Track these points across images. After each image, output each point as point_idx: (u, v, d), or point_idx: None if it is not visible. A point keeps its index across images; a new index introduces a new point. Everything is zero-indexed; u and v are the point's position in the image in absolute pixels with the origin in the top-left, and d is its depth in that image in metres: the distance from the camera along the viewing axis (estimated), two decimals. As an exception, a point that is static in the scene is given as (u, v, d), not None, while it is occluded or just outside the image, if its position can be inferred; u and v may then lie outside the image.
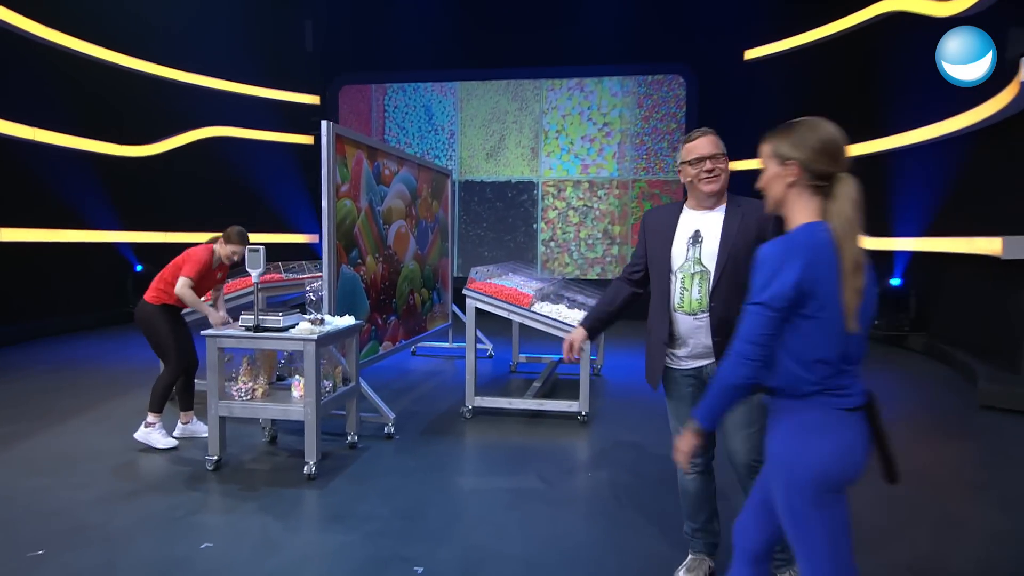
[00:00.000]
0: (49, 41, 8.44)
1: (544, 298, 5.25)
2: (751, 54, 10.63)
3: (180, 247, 10.22)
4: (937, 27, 7.45)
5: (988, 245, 6.34)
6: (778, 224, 1.94)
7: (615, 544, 3.05)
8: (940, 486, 3.87)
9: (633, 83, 10.75)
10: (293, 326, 3.84)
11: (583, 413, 4.88)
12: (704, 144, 2.41)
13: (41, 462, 3.99)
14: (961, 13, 6.82)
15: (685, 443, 1.81)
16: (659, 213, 2.63)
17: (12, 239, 8.02)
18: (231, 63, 10.63)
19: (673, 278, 2.45)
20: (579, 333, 2.71)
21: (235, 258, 4.24)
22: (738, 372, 1.64)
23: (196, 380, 4.48)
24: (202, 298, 4.27)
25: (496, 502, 3.48)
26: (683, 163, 2.48)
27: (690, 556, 2.72)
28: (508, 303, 4.89)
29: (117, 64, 9.41)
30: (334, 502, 3.46)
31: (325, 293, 4.49)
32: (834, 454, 1.61)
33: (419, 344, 7.06)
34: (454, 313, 7.41)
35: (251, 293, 5.59)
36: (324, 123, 4.50)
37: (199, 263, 4.13)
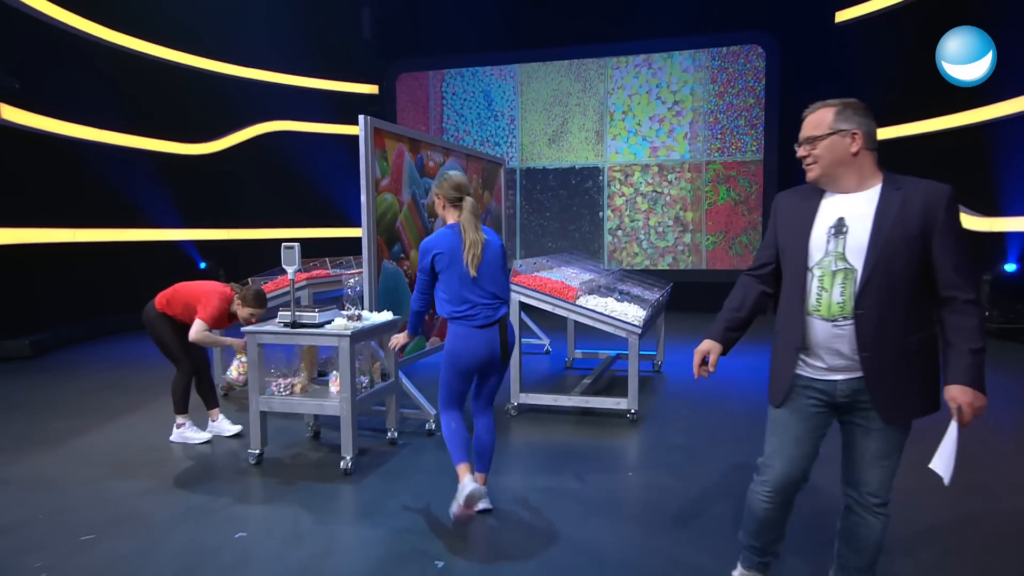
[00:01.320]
0: (108, 41, 9.03)
1: (593, 291, 5.33)
2: (842, 16, 10.21)
3: (242, 244, 10.83)
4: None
5: None
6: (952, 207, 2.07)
7: (644, 550, 3.13)
8: None
9: (706, 56, 10.59)
10: (329, 322, 4.09)
11: (632, 411, 4.94)
12: (804, 125, 2.20)
13: (95, 456, 4.42)
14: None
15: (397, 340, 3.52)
16: (794, 196, 2.32)
17: (77, 240, 8.60)
18: (288, 55, 11.09)
19: (810, 275, 2.17)
20: (712, 348, 2.42)
21: (253, 320, 4.42)
22: (412, 304, 3.41)
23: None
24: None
25: (528, 501, 3.61)
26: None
27: (740, 570, 2.59)
28: (552, 297, 5.00)
29: (174, 61, 9.96)
30: (366, 497, 3.69)
31: (365, 288, 4.74)
32: (461, 348, 3.24)
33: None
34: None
35: (299, 289, 5.98)
36: (361, 117, 4.75)
37: (215, 312, 4.38)
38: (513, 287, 5.16)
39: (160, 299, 4.55)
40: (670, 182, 10.86)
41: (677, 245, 10.89)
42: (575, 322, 6.79)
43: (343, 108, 11.69)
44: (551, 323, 7.64)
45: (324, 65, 11.59)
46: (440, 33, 11.45)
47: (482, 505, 3.39)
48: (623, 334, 4.89)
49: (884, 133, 9.69)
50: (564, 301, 4.99)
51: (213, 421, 4.76)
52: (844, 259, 2.11)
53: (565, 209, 11.25)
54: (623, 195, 11.05)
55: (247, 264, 7.85)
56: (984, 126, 8.26)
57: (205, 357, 4.76)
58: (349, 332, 3.92)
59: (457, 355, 3.25)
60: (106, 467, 4.20)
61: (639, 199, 10.99)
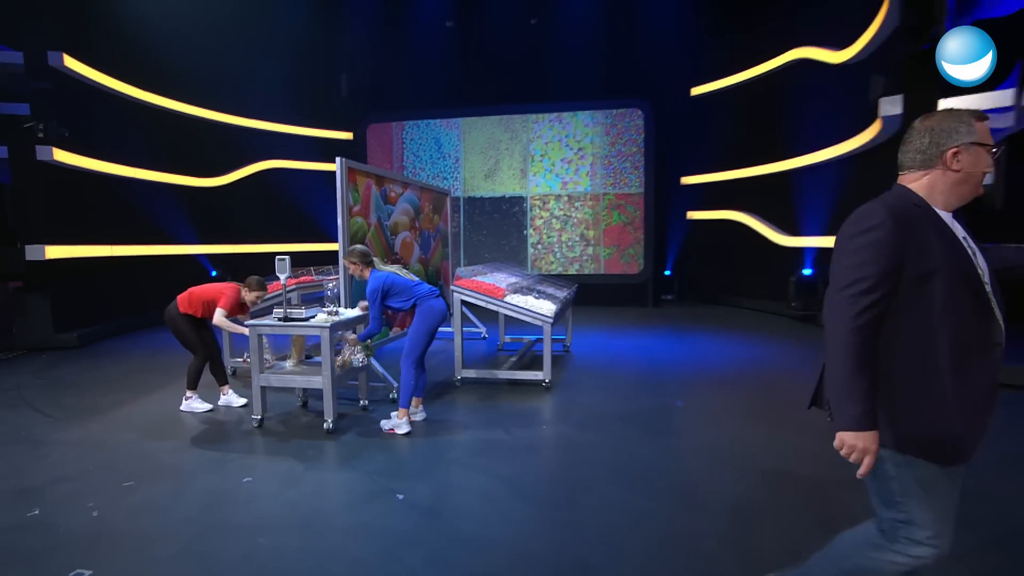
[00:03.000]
0: (139, 99, 8.76)
1: (517, 291, 5.46)
2: (696, 91, 10.75)
3: (245, 256, 10.59)
4: (832, 71, 7.61)
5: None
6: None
7: (552, 482, 3.31)
8: None
9: (601, 115, 10.81)
10: (313, 316, 4.13)
11: (546, 381, 5.10)
12: (987, 129, 1.48)
13: (133, 423, 4.33)
14: (849, 60, 6.95)
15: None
16: (910, 209, 1.48)
17: (116, 254, 8.32)
18: (282, 109, 10.89)
19: (990, 299, 1.43)
20: (869, 443, 1.43)
21: (259, 302, 4.47)
22: (370, 328, 4.04)
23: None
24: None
25: (469, 449, 3.75)
26: (975, 144, 1.46)
27: None
28: (486, 295, 5.12)
29: (190, 113, 9.70)
30: (345, 451, 3.75)
31: (341, 290, 4.78)
32: (436, 311, 4.01)
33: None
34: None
35: (290, 291, 5.94)
36: (338, 159, 4.77)
37: (233, 300, 4.40)
38: (456, 288, 5.27)
39: (181, 301, 4.48)
40: (576, 208, 11.00)
41: (583, 256, 11.01)
42: (504, 315, 6.97)
43: (325, 150, 11.54)
44: (486, 316, 7.77)
45: (311, 116, 11.40)
46: (402, 93, 11.38)
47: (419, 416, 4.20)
48: (539, 323, 5.04)
49: (729, 175, 10.25)
50: (495, 299, 5.12)
51: (224, 395, 4.71)
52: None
53: (498, 228, 11.27)
54: (542, 218, 11.13)
55: (248, 272, 7.70)
56: (791, 172, 8.84)
57: (217, 345, 4.70)
58: (328, 324, 3.97)
59: (432, 317, 4.00)
60: (142, 431, 4.12)
61: (554, 221, 11.08)
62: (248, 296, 4.46)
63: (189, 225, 9.63)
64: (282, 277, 4.07)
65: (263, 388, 4.11)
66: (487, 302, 5.15)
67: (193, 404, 4.53)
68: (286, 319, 4.03)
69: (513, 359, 5.79)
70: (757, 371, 5.81)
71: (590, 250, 10.98)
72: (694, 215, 11.03)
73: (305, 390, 4.70)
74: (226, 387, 4.71)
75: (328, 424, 4.00)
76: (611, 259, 10.92)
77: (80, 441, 3.96)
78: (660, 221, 11.00)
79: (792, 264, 8.94)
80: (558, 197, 11.05)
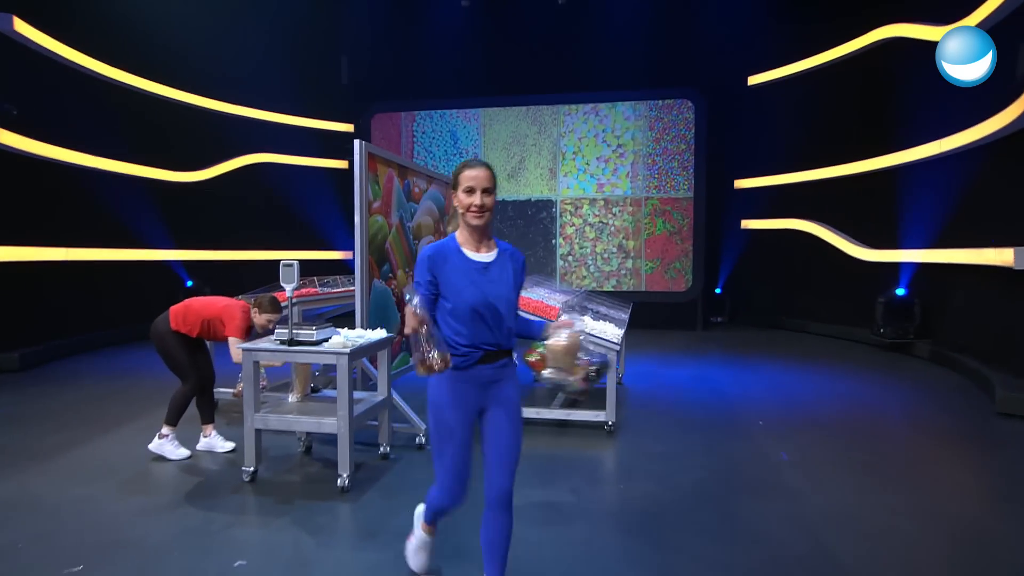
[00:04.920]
0: (107, 77, 8.35)
1: (569, 309, 4.92)
2: (754, 79, 10.30)
3: (226, 264, 10.18)
4: (933, 49, 7.09)
5: (998, 256, 5.92)
6: None
7: (658, 561, 2.71)
8: (965, 495, 3.47)
9: (645, 107, 10.40)
10: (326, 339, 3.55)
11: (610, 423, 4.53)
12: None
13: (88, 471, 3.73)
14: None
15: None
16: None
17: (71, 258, 7.85)
18: (273, 95, 10.50)
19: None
20: None
21: (271, 327, 3.83)
22: None
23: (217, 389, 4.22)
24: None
25: (529, 517, 3.15)
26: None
27: None
28: (535, 315, 4.56)
29: (167, 96, 9.30)
30: (367, 516, 3.15)
31: (357, 306, 4.22)
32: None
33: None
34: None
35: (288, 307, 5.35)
36: (357, 142, 4.24)
37: (244, 324, 3.79)
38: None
39: (174, 316, 3.87)
40: (614, 214, 10.58)
41: (620, 269, 10.58)
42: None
43: (322, 143, 11.16)
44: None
45: (306, 104, 10.97)
46: (412, 79, 10.95)
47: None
48: (602, 351, 4.48)
49: (794, 177, 9.74)
50: (546, 319, 4.56)
51: (205, 436, 4.11)
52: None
53: (523, 236, 10.81)
54: (573, 225, 10.71)
55: (231, 283, 7.33)
56: (885, 172, 8.30)
57: (212, 373, 4.11)
58: (348, 349, 3.39)
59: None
60: (97, 483, 3.52)
61: (587, 229, 10.66)
62: (258, 319, 3.87)
63: (161, 226, 9.17)
64: (288, 288, 3.51)
65: (258, 431, 3.52)
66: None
67: (167, 446, 3.91)
68: (291, 342, 3.45)
69: (562, 393, 5.20)
70: (861, 412, 5.24)
71: (629, 263, 10.53)
72: (750, 224, 10.55)
73: (309, 432, 4.10)
74: (210, 427, 4.11)
75: (343, 480, 3.40)
76: (654, 274, 10.47)
77: (10, 500, 3.33)
78: (712, 231, 10.53)
79: (877, 283, 8.37)
80: (593, 201, 10.62)
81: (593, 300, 5.93)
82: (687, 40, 9.98)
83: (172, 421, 3.89)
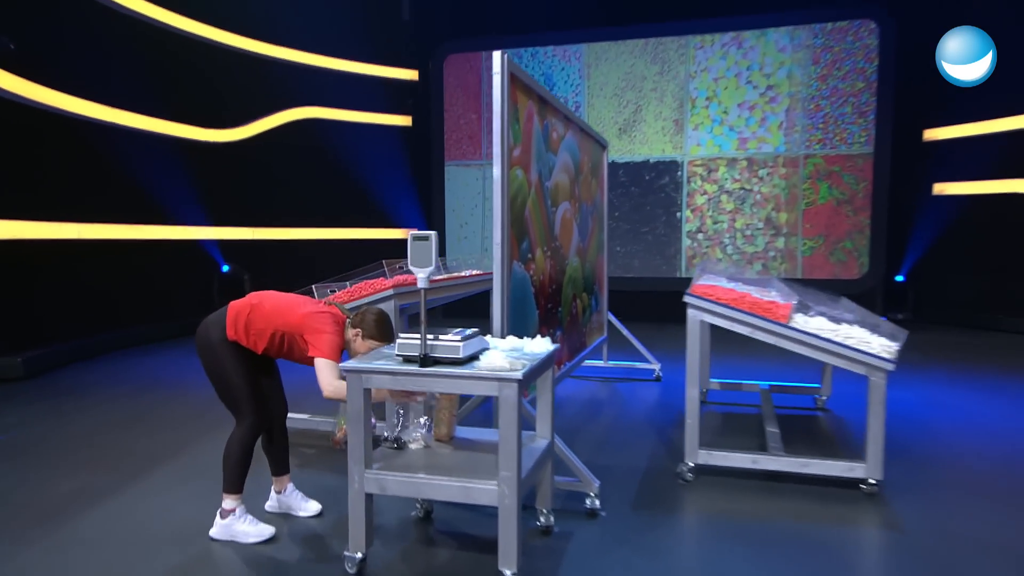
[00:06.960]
0: (126, 8, 8.11)
1: (798, 310, 3.86)
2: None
3: (269, 245, 9.90)
4: None
5: None
6: None
7: None
8: None
9: (807, 33, 9.51)
10: (481, 353, 2.59)
11: (872, 481, 3.45)
12: None
13: (97, 554, 2.89)
14: None
15: None
16: None
17: (83, 236, 7.63)
18: (320, 34, 10.24)
19: None
20: None
21: (369, 354, 2.89)
22: None
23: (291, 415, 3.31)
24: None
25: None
26: None
27: None
28: (757, 316, 3.52)
29: (199, 35, 9.10)
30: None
31: (496, 301, 3.27)
32: None
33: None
34: (608, 323, 6.23)
35: (383, 300, 4.45)
36: (496, 54, 3.26)
37: (338, 342, 2.87)
38: (696, 301, 3.67)
39: (233, 320, 2.92)
40: (761, 178, 9.83)
41: (768, 250, 9.84)
42: (711, 338, 5.38)
43: (382, 95, 10.80)
44: (640, 336, 6.44)
45: (361, 46, 10.59)
46: (493, 8, 10.40)
47: None
48: (862, 370, 3.39)
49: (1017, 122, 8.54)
50: (773, 322, 3.50)
51: (279, 493, 3.23)
52: None
53: (637, 209, 10.20)
54: (705, 193, 10.03)
55: (275, 269, 6.87)
56: None
57: (284, 405, 3.22)
58: (519, 373, 2.42)
59: None
60: (123, 568, 2.68)
61: (724, 198, 9.97)
62: (357, 344, 2.93)
63: (193, 198, 9.01)
64: (422, 275, 2.54)
65: (369, 497, 2.60)
66: (753, 328, 3.54)
67: (237, 527, 2.99)
68: (425, 361, 2.49)
69: (772, 429, 4.13)
70: None
71: (780, 242, 9.85)
72: (946, 189, 9.61)
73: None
74: (285, 479, 3.22)
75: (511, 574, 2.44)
76: (815, 256, 9.81)
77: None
78: (897, 199, 9.62)
79: None
80: (732, 162, 9.93)
81: (799, 293, 4.86)
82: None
83: (235, 488, 2.97)
